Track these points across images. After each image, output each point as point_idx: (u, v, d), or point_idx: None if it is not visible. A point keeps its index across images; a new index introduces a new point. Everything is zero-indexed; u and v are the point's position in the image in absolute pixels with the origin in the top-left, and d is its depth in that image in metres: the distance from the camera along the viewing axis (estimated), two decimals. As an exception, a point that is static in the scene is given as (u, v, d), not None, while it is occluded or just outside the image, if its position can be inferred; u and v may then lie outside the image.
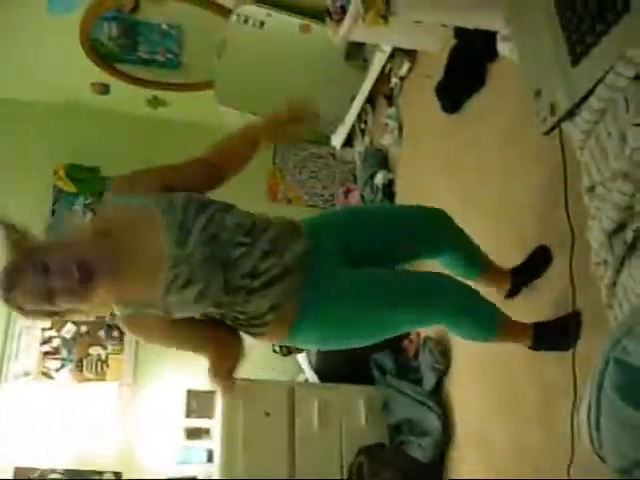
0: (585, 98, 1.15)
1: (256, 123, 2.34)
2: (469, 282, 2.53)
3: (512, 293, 2.82)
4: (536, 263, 2.77)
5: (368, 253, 2.31)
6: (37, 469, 4.28)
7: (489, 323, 2.41)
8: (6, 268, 1.92)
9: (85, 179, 5.15)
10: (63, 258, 1.91)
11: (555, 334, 2.50)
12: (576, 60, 1.16)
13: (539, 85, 1.24)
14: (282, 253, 2.10)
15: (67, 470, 4.31)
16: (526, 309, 2.73)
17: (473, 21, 3.22)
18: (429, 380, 3.60)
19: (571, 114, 1.19)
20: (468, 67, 3.55)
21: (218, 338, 2.17)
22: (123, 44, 5.05)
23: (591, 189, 1.17)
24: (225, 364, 2.22)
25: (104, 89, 5.28)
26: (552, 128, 1.22)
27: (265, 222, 2.17)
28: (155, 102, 5.43)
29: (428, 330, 3.76)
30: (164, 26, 5.00)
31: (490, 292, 2.64)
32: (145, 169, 2.18)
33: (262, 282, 2.06)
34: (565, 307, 2.42)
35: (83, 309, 2.03)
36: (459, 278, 2.47)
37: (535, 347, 2.57)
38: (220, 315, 2.11)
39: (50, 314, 2.00)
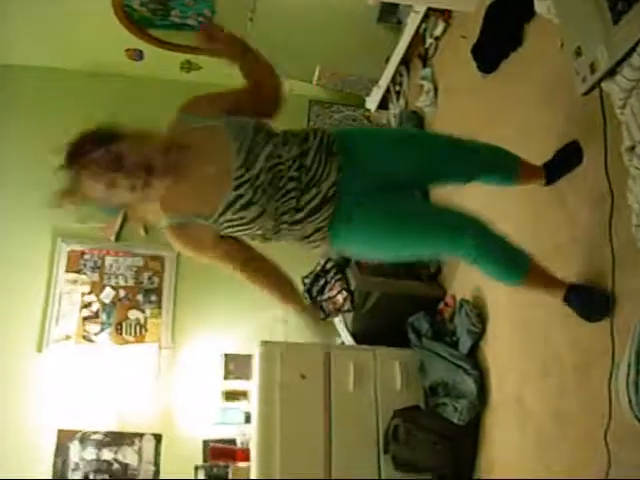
0: (626, 56, 1.12)
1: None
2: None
3: (547, 184, 2.86)
4: (568, 157, 2.78)
5: (401, 176, 2.39)
6: (79, 431, 4.37)
7: (517, 267, 2.44)
8: (85, 138, 2.08)
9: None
10: (137, 157, 2.03)
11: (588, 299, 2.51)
12: (617, 18, 1.13)
13: (579, 44, 1.21)
14: (319, 184, 2.19)
15: (108, 432, 4.40)
16: (565, 272, 2.70)
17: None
18: (465, 343, 3.58)
19: (612, 73, 1.17)
20: (504, 27, 3.48)
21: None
22: (155, 9, 5.03)
23: (631, 148, 1.15)
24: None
25: (138, 55, 5.29)
26: (592, 88, 1.20)
27: (303, 151, 2.21)
28: (189, 66, 5.43)
29: (464, 293, 3.75)
30: (196, -10, 4.98)
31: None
32: (212, 95, 2.32)
33: (306, 213, 2.19)
34: (604, 271, 2.39)
35: (135, 204, 2.17)
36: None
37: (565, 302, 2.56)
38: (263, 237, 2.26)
39: (102, 201, 2.10)
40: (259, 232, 2.23)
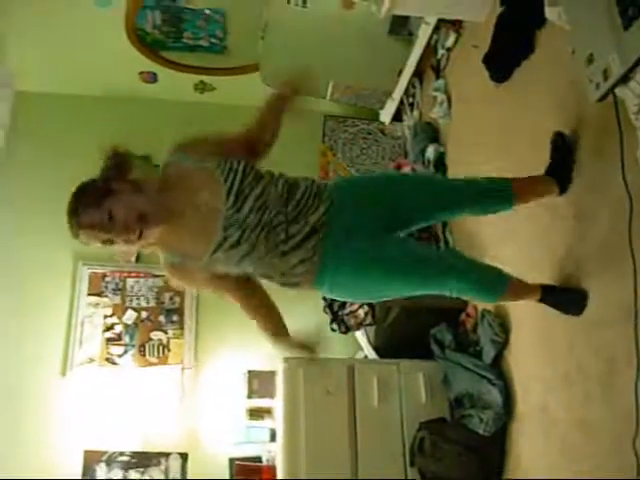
0: (639, 62, 1.12)
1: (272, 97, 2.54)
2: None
3: (563, 191, 2.84)
4: (562, 155, 2.82)
5: (388, 221, 2.47)
6: (106, 452, 4.38)
7: (495, 293, 2.67)
8: (83, 193, 2.18)
9: (138, 166, 5.19)
10: (127, 210, 2.11)
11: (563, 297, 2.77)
12: (628, 23, 1.12)
13: (591, 50, 1.21)
14: (307, 216, 2.28)
15: (134, 452, 4.40)
16: (580, 272, 2.69)
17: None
18: (489, 353, 3.56)
19: (625, 79, 1.16)
20: (516, 35, 3.47)
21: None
22: (168, 32, 5.09)
23: (649, 155, 1.14)
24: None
25: (152, 78, 5.34)
26: (606, 94, 1.19)
27: (295, 186, 2.33)
28: (202, 87, 5.47)
29: (486, 305, 3.73)
30: (207, 11, 5.01)
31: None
32: (204, 137, 2.39)
33: (292, 244, 2.25)
34: (624, 276, 2.37)
35: (135, 250, 2.39)
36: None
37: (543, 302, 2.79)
38: (254, 273, 2.35)
39: (102, 242, 2.17)
40: (249, 271, 2.32)
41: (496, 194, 2.69)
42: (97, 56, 5.02)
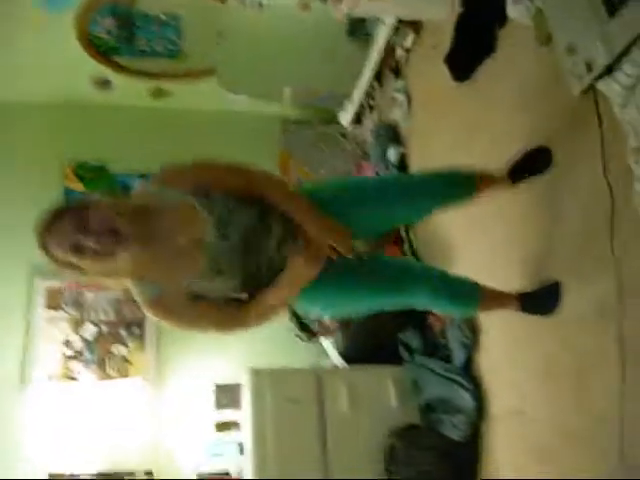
0: (626, 51, 1.05)
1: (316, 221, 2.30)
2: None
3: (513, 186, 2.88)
4: (535, 161, 2.82)
5: (363, 226, 2.46)
6: (68, 474, 4.24)
7: (469, 306, 2.70)
8: (50, 213, 2.05)
9: (93, 177, 5.08)
10: (102, 221, 2.02)
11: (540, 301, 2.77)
12: (613, 10, 1.06)
13: (572, 40, 1.15)
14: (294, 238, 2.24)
15: (98, 473, 4.27)
16: (568, 280, 2.66)
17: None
18: (458, 356, 3.52)
19: (610, 70, 1.10)
20: (477, 34, 3.44)
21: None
22: (121, 37, 4.97)
23: (638, 150, 1.08)
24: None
25: (105, 84, 5.21)
26: (589, 86, 1.13)
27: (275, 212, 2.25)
28: (158, 93, 5.35)
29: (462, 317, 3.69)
30: (162, 16, 4.92)
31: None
32: (190, 167, 2.27)
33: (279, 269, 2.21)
34: (601, 274, 2.33)
35: (105, 274, 2.14)
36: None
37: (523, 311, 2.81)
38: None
39: (73, 267, 2.06)
40: (225, 294, 2.26)
41: (461, 193, 2.72)
42: (48, 63, 4.88)
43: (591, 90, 1.16)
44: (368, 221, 2.49)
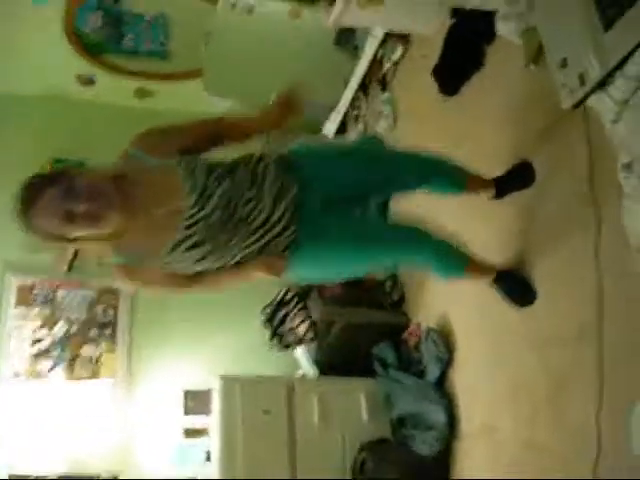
0: (619, 66, 1.03)
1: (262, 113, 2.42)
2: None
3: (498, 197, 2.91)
4: (520, 176, 2.85)
5: (353, 191, 2.49)
6: (31, 477, 4.15)
7: (460, 265, 2.66)
8: (31, 184, 2.00)
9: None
10: (89, 186, 1.99)
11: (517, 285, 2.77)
12: (608, 24, 1.04)
13: (565, 54, 1.13)
14: (289, 189, 2.23)
15: (62, 476, 4.19)
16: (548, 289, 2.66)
17: (472, 0, 3.11)
18: (432, 372, 3.49)
19: (602, 84, 1.08)
20: (465, 49, 3.44)
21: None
22: (108, 35, 4.95)
23: (628, 166, 1.06)
24: None
25: (89, 81, 5.16)
26: (581, 100, 1.11)
27: (262, 165, 2.25)
28: (142, 93, 5.31)
29: (430, 320, 3.67)
30: (150, 15, 4.89)
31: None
32: (163, 129, 2.28)
33: (278, 231, 2.21)
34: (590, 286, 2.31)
35: (92, 240, 2.08)
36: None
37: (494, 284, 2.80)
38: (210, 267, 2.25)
39: (58, 238, 2.03)
40: (199, 269, 2.23)
41: (450, 178, 2.74)
42: (32, 56, 4.83)
43: (581, 106, 1.14)
44: (369, 186, 2.54)
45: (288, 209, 2.21)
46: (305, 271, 2.46)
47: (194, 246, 2.11)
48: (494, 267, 2.80)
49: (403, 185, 2.68)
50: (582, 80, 1.09)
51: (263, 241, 2.20)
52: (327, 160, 2.50)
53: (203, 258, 2.15)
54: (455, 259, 2.64)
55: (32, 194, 1.97)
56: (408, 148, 2.81)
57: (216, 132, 2.30)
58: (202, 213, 2.09)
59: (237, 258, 2.23)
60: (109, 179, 2.06)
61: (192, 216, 2.08)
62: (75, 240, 2.04)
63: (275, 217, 2.19)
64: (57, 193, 1.95)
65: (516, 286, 2.77)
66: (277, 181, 2.22)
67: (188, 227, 2.08)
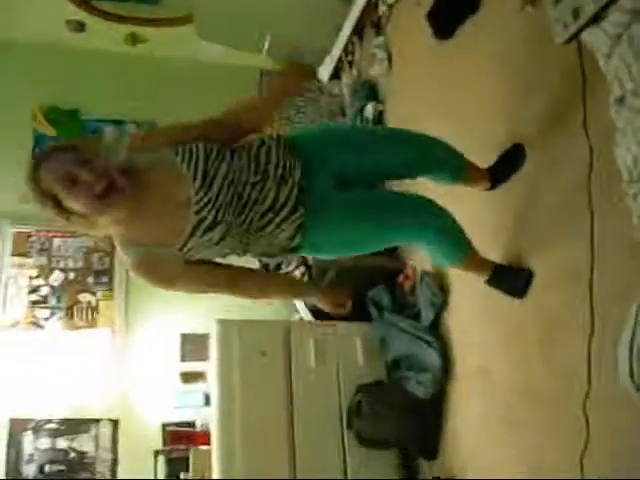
0: (613, -1, 1.03)
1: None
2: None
3: (492, 188, 2.96)
4: (512, 159, 2.87)
5: (356, 172, 2.45)
6: (33, 420, 4.22)
7: (464, 246, 2.63)
8: (57, 145, 2.02)
9: (65, 122, 4.99)
10: (105, 167, 1.97)
11: (511, 278, 2.77)
12: (603, -44, 1.03)
13: (559, -11, 1.12)
14: (292, 173, 2.23)
15: (63, 419, 4.26)
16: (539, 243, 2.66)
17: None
18: (427, 315, 3.52)
19: (596, 18, 1.07)
20: (460, -9, 3.40)
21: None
22: (98, -21, 4.85)
23: (620, 100, 1.06)
24: None
25: (80, 27, 5.09)
26: (574, 34, 1.10)
27: (265, 149, 2.25)
28: (134, 39, 5.24)
29: (425, 264, 3.69)
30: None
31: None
32: (163, 129, 2.32)
33: (284, 216, 2.20)
34: (575, 238, 2.33)
35: (88, 221, 2.03)
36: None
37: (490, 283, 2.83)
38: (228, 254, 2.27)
39: (54, 204, 1.97)
40: (228, 251, 2.25)
41: (450, 168, 2.74)
42: (21, 2, 4.75)
43: (575, 41, 1.13)
44: (375, 166, 2.50)
45: (293, 192, 2.21)
46: (317, 252, 2.51)
47: (209, 229, 2.10)
48: (491, 263, 2.80)
49: (404, 168, 2.64)
50: (576, 14, 1.09)
51: (274, 224, 2.20)
52: (329, 140, 2.47)
53: (222, 239, 2.14)
54: (459, 244, 2.62)
55: (46, 152, 1.99)
56: (407, 129, 2.74)
57: (232, 125, 2.27)
58: (208, 196, 2.09)
59: (253, 240, 2.25)
60: (121, 170, 2.04)
61: (199, 201, 2.08)
62: (68, 214, 1.99)
63: (281, 200, 2.19)
64: (70, 156, 1.95)
65: (512, 280, 2.77)
66: (280, 164, 2.21)
67: (198, 212, 2.08)
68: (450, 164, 2.73)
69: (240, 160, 2.19)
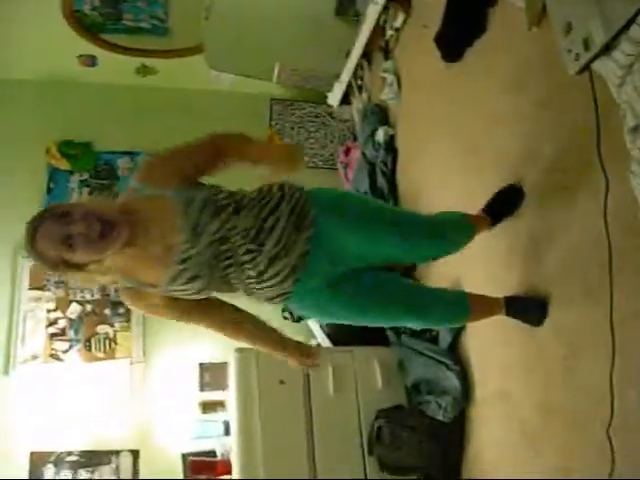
0: (624, 29, 1.03)
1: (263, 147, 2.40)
2: None
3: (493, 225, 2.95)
4: (509, 199, 2.92)
5: (355, 258, 2.39)
6: (53, 452, 4.22)
7: (458, 316, 2.69)
8: (33, 218, 2.03)
9: (78, 155, 5.03)
10: (87, 211, 2.02)
11: (526, 309, 2.77)
12: (612, -13, 1.04)
13: (569, 18, 1.12)
14: (288, 253, 2.18)
15: (83, 451, 4.26)
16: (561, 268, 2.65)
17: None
18: (445, 337, 3.51)
19: (607, 48, 1.07)
20: (467, 14, 3.41)
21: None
22: (107, 13, 4.94)
23: (635, 129, 1.06)
24: None
25: (92, 61, 5.15)
26: (586, 65, 1.11)
27: (273, 219, 2.18)
28: (144, 70, 5.30)
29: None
30: (148, -9, 4.86)
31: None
32: (163, 158, 2.23)
33: (268, 285, 2.20)
34: (598, 246, 2.31)
35: (93, 268, 2.07)
36: None
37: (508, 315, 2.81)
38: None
39: (66, 265, 2.03)
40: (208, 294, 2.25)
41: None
42: (33, 39, 4.82)
43: (587, 70, 1.13)
44: (357, 247, 2.38)
45: (284, 270, 2.18)
46: (303, 311, 2.55)
47: (190, 280, 2.11)
48: (501, 301, 2.80)
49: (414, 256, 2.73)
50: (587, 45, 1.09)
51: (256, 287, 2.21)
52: (345, 226, 2.32)
53: (202, 290, 2.16)
54: (451, 318, 2.68)
55: (33, 225, 2.01)
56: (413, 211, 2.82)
57: (217, 149, 2.22)
58: (194, 250, 2.08)
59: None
60: (112, 209, 2.10)
61: (185, 251, 2.08)
62: (81, 267, 2.05)
63: (268, 275, 2.17)
64: (55, 219, 2.00)
65: (527, 310, 2.77)
66: (280, 242, 2.16)
67: (182, 262, 2.08)
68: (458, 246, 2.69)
69: (245, 218, 2.15)
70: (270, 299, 2.29)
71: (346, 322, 2.52)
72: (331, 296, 2.35)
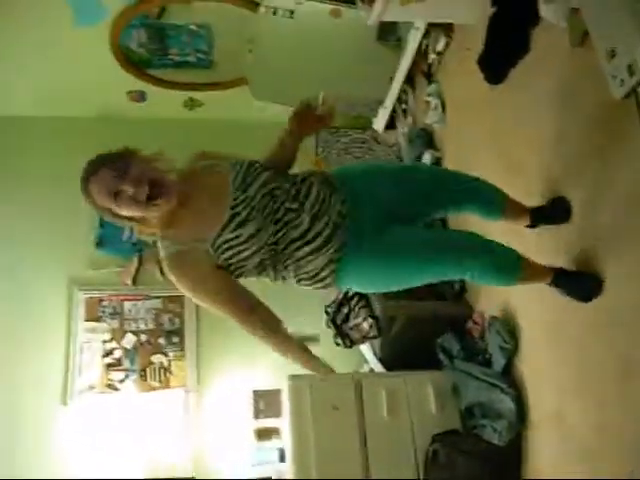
0: (668, 55, 1.04)
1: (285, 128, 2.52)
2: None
3: (531, 227, 3.05)
4: (557, 210, 2.96)
5: (396, 207, 2.47)
6: (110, 484, 4.28)
7: (512, 272, 2.58)
8: (93, 160, 2.17)
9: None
10: (141, 173, 2.12)
11: (576, 283, 2.75)
12: (655, 12, 1.05)
13: (613, 44, 1.14)
14: (328, 211, 2.28)
15: (140, 480, 4.31)
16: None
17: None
18: (498, 361, 3.49)
19: (652, 73, 1.08)
20: (510, 35, 3.41)
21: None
22: (153, 49, 5.04)
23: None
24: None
25: (140, 96, 5.27)
26: (632, 90, 1.12)
27: (307, 182, 2.34)
28: (191, 103, 5.41)
29: (492, 309, 3.66)
30: (192, 27, 4.98)
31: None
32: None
33: (315, 247, 2.26)
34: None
35: (139, 222, 2.22)
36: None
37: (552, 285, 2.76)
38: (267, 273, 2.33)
39: (112, 214, 2.17)
40: (257, 259, 2.24)
41: (491, 202, 2.79)
42: (83, 77, 4.96)
43: (633, 94, 1.14)
44: (417, 204, 2.54)
45: (325, 230, 2.26)
46: (355, 285, 2.51)
47: (239, 225, 2.16)
48: (549, 270, 2.75)
49: (446, 204, 2.68)
50: (631, 71, 1.10)
51: (303, 251, 2.26)
52: (372, 176, 2.52)
53: (252, 237, 2.17)
54: (507, 273, 2.58)
55: (91, 167, 2.13)
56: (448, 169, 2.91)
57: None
58: (245, 194, 2.20)
59: (290, 268, 2.30)
60: (171, 172, 2.23)
61: (236, 198, 2.20)
62: (130, 218, 2.18)
63: (312, 233, 2.25)
64: (110, 170, 2.10)
65: (577, 284, 2.75)
66: (318, 201, 2.28)
67: (233, 207, 2.18)
68: (496, 201, 2.78)
69: (284, 182, 2.30)
70: (318, 272, 2.31)
71: (402, 281, 2.45)
72: (386, 247, 2.34)
